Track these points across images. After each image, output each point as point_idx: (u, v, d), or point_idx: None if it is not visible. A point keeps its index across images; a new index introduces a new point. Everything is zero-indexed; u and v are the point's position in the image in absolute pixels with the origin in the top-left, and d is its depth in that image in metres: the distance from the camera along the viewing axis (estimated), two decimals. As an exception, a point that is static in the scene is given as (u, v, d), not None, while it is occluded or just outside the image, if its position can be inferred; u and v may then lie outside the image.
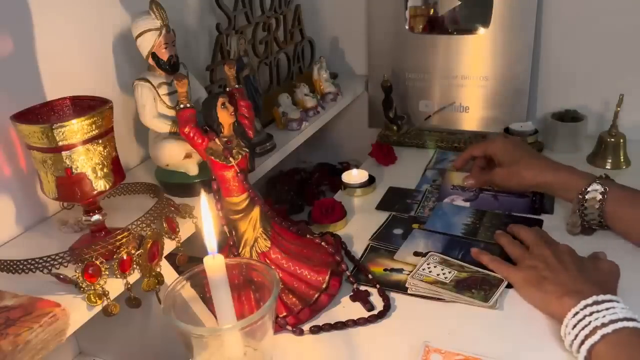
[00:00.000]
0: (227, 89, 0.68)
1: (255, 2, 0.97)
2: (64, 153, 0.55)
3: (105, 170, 0.58)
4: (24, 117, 0.57)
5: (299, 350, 0.63)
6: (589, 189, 0.74)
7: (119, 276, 0.57)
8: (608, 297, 0.57)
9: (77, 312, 0.54)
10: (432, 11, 1.10)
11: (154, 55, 0.69)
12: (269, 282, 0.54)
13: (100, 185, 0.58)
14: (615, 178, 0.80)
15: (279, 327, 0.65)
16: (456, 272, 0.71)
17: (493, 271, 0.70)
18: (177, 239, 0.66)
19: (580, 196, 0.75)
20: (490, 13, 1.03)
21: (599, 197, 0.74)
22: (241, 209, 0.65)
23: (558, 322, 0.60)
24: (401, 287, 0.70)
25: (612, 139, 0.94)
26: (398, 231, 0.82)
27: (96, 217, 0.60)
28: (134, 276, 0.59)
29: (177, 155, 0.73)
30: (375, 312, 0.66)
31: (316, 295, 0.68)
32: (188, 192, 0.74)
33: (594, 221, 0.76)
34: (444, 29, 1.09)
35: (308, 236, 0.75)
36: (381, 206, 0.90)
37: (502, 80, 1.07)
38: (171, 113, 0.72)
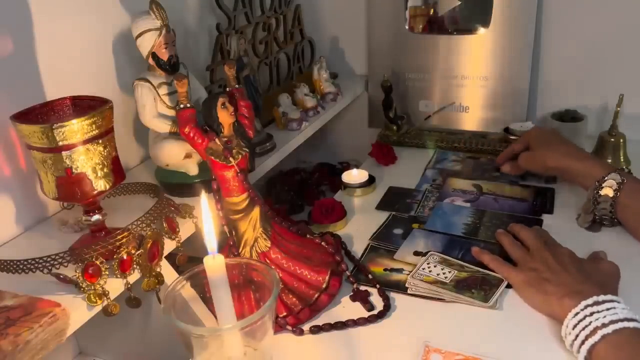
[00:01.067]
0: (227, 89, 0.68)
1: (255, 2, 0.97)
2: (64, 153, 0.55)
3: (105, 170, 0.58)
4: (24, 117, 0.57)
5: (299, 350, 0.63)
6: (606, 178, 0.75)
7: (119, 276, 0.57)
8: (609, 297, 0.57)
9: (77, 312, 0.54)
10: (432, 11, 1.10)
11: (154, 55, 0.69)
12: (269, 282, 0.54)
13: (100, 185, 0.58)
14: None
15: (279, 327, 0.65)
16: (456, 271, 0.71)
17: (493, 271, 0.70)
18: (177, 239, 0.66)
19: (597, 183, 0.76)
20: (490, 13, 1.03)
21: (615, 186, 0.74)
22: (241, 209, 0.65)
23: (558, 323, 0.60)
24: (401, 287, 0.70)
25: (612, 139, 0.93)
26: (398, 231, 0.82)
27: (96, 217, 0.60)
28: (134, 276, 0.59)
29: (177, 155, 0.73)
30: (375, 312, 0.66)
31: (316, 295, 0.68)
32: (188, 192, 0.74)
33: (605, 210, 0.76)
34: (444, 29, 1.09)
35: (308, 236, 0.75)
36: (381, 206, 0.90)
37: (502, 80, 1.07)
38: (171, 113, 0.72)
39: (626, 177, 0.75)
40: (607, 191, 0.75)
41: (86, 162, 0.56)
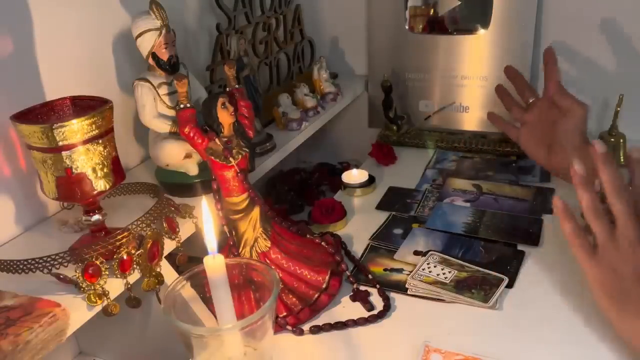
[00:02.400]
0: (227, 89, 0.68)
1: (255, 2, 0.97)
2: (64, 153, 0.55)
3: (105, 170, 0.58)
4: (24, 117, 0.57)
5: (299, 350, 0.63)
6: None
7: (119, 276, 0.57)
8: None
9: (77, 312, 0.54)
10: (432, 11, 1.10)
11: (154, 55, 0.69)
12: (269, 282, 0.54)
13: (100, 185, 0.58)
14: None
15: (279, 327, 0.65)
16: (456, 271, 0.71)
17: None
18: (177, 239, 0.66)
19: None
20: (490, 13, 1.03)
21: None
22: (241, 209, 0.65)
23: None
24: (401, 287, 0.70)
25: (612, 139, 0.94)
26: (398, 231, 0.82)
27: (96, 217, 0.60)
28: (134, 276, 0.59)
29: (177, 155, 0.73)
30: (375, 312, 0.66)
31: (316, 295, 0.68)
32: (188, 192, 0.74)
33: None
34: (444, 29, 1.09)
35: (308, 236, 0.75)
36: (381, 206, 0.90)
37: (502, 80, 1.07)
38: (171, 113, 0.72)
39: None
40: None
41: (86, 162, 0.56)
